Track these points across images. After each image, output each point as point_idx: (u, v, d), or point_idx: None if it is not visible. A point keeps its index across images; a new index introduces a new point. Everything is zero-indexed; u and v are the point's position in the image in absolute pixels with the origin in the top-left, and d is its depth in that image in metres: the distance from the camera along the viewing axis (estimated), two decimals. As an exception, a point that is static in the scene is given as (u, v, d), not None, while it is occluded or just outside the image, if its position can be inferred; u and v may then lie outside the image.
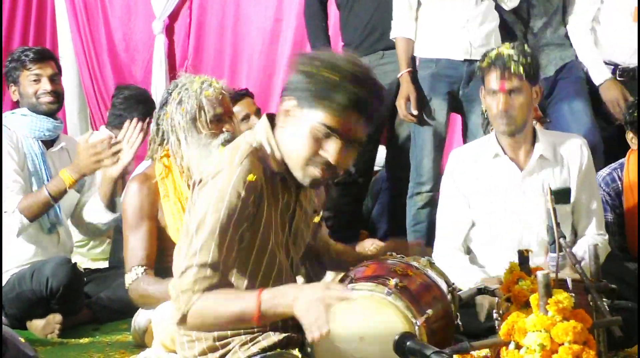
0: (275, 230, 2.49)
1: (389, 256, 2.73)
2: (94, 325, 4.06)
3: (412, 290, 2.53)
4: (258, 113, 4.68)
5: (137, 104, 5.31)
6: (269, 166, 2.45)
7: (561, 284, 2.63)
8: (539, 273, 2.42)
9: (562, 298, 2.42)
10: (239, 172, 2.36)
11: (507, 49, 3.60)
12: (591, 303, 2.58)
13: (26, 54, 4.22)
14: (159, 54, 6.62)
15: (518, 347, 2.43)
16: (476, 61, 4.09)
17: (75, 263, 3.99)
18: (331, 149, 2.38)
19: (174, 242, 3.32)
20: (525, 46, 3.69)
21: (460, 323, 2.70)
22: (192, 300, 2.31)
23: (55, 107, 4.21)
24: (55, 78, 4.22)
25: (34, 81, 4.17)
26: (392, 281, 2.47)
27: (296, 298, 2.26)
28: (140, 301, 3.36)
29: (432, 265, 2.76)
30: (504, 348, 2.47)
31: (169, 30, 6.68)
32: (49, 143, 4.22)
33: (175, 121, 3.37)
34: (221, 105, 3.38)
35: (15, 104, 4.32)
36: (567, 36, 4.59)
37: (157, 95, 6.20)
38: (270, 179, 2.46)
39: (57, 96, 4.21)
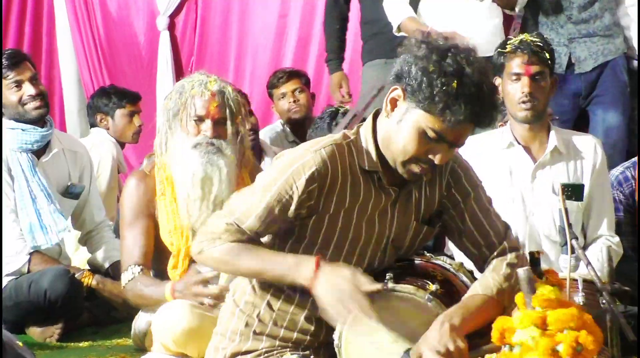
0: (353, 230, 2.48)
1: (423, 256, 2.71)
2: (94, 328, 4.06)
3: (450, 296, 2.52)
4: None
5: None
6: (357, 163, 2.45)
7: (573, 285, 2.67)
8: (519, 270, 2.39)
9: (547, 291, 2.39)
10: (307, 160, 2.40)
11: (529, 37, 3.71)
12: (603, 305, 2.57)
13: (2, 61, 4.03)
14: (165, 50, 6.62)
15: (511, 348, 2.40)
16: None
17: (74, 274, 3.97)
18: (439, 154, 2.38)
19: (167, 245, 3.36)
20: (545, 36, 3.79)
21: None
22: (215, 244, 2.44)
23: (44, 112, 4.08)
24: (35, 80, 4.08)
25: (16, 87, 4.03)
26: (433, 287, 2.46)
27: (318, 278, 2.34)
28: (137, 302, 3.36)
29: (462, 267, 2.75)
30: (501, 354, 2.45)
31: (173, 27, 6.68)
32: (40, 151, 4.14)
33: (164, 114, 3.40)
34: (205, 107, 3.36)
35: None
36: (615, 25, 4.53)
37: (163, 93, 6.23)
38: (356, 178, 2.45)
39: (43, 98, 4.07)
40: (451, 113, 2.31)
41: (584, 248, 3.63)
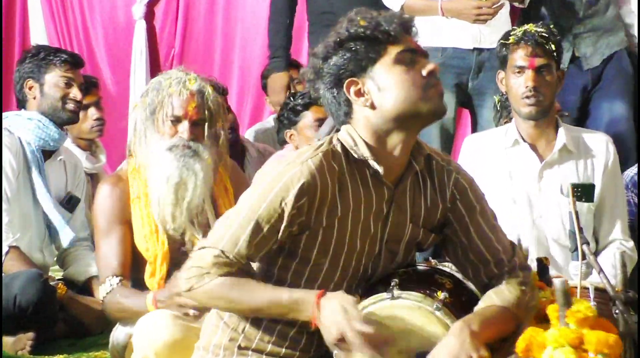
0: (348, 241, 2.44)
1: (435, 265, 2.67)
2: (70, 340, 3.97)
3: (459, 306, 2.45)
4: None
5: None
6: (350, 162, 2.42)
7: (584, 294, 2.61)
8: (556, 280, 2.38)
9: (583, 308, 2.35)
10: (294, 173, 2.36)
11: (534, 27, 3.65)
12: (615, 315, 2.52)
13: (60, 55, 4.23)
14: (139, 42, 6.53)
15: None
16: (486, 49, 4.14)
17: (47, 278, 3.89)
18: (425, 63, 2.41)
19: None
20: (551, 26, 3.75)
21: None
22: (204, 279, 2.38)
23: (75, 118, 4.26)
24: (82, 88, 4.25)
25: (65, 84, 4.18)
26: (441, 295, 2.40)
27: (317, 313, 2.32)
28: (117, 316, 3.26)
29: None
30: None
31: (152, 16, 6.54)
32: (47, 154, 4.19)
33: (138, 113, 3.31)
34: (182, 107, 3.26)
35: (17, 106, 4.30)
36: (618, 18, 4.52)
37: (136, 88, 6.18)
38: (346, 183, 2.42)
39: (80, 107, 4.26)
40: (389, 34, 2.38)
41: (596, 253, 3.59)
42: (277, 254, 2.45)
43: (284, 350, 2.49)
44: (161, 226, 3.23)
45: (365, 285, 2.50)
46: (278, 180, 2.36)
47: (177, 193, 3.22)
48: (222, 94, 4.42)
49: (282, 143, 4.50)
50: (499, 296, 2.44)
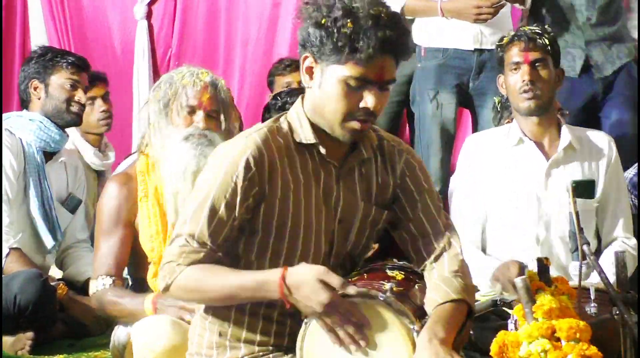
0: (304, 214, 2.45)
1: (389, 261, 2.64)
2: (70, 340, 3.99)
3: (410, 294, 2.45)
4: None
5: None
6: (293, 141, 2.44)
7: (585, 295, 2.64)
8: (516, 279, 2.42)
9: (547, 300, 2.42)
10: (241, 147, 2.39)
11: (527, 27, 3.71)
12: (616, 316, 2.52)
13: (67, 57, 4.27)
14: (142, 41, 6.47)
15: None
16: (487, 50, 4.15)
17: (46, 278, 3.90)
18: (369, 100, 2.36)
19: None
20: (547, 25, 3.78)
21: (472, 333, 2.66)
22: (175, 271, 2.38)
23: (78, 121, 4.29)
24: (86, 91, 4.30)
25: (71, 86, 4.20)
26: (387, 285, 2.39)
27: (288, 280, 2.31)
28: (107, 310, 3.25)
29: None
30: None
31: (151, 15, 6.53)
32: (48, 155, 4.20)
33: (151, 106, 3.31)
34: (197, 98, 3.27)
35: (20, 106, 4.32)
36: (626, 28, 4.55)
37: (139, 87, 6.15)
38: (294, 158, 2.44)
39: (83, 110, 4.28)
40: (359, 53, 2.31)
41: (599, 251, 3.62)
42: (240, 234, 2.45)
43: (272, 339, 2.49)
44: (171, 223, 3.19)
45: None
46: (225, 157, 2.39)
47: (194, 183, 3.20)
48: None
49: None
50: (451, 287, 2.43)
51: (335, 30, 2.33)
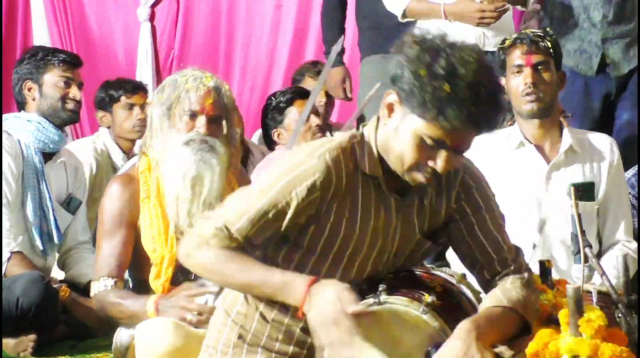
0: (354, 242, 2.40)
1: (422, 267, 2.63)
2: (72, 341, 3.96)
3: (449, 309, 2.41)
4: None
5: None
6: (359, 166, 2.38)
7: (587, 298, 2.58)
8: (569, 287, 2.36)
9: (596, 317, 2.37)
10: (310, 166, 2.33)
11: (529, 30, 3.72)
12: (618, 318, 2.55)
13: (58, 55, 4.23)
14: (145, 43, 6.51)
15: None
16: (489, 52, 4.08)
17: (49, 280, 3.89)
18: (440, 162, 2.30)
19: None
20: (548, 28, 3.79)
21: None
22: (201, 249, 2.37)
23: (76, 118, 4.27)
24: (81, 87, 4.24)
25: (65, 84, 4.16)
26: (428, 298, 2.36)
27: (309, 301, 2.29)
28: (109, 310, 3.23)
29: (464, 279, 2.63)
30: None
31: (154, 18, 6.55)
32: (47, 156, 4.15)
33: (154, 109, 3.30)
34: (199, 103, 3.25)
35: (17, 108, 4.27)
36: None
37: None
38: (358, 185, 2.39)
39: (80, 107, 4.23)
40: (445, 119, 2.23)
41: (601, 254, 3.59)
42: (282, 244, 2.43)
43: (292, 348, 2.47)
44: (173, 224, 3.20)
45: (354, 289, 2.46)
46: (294, 169, 2.33)
47: (193, 188, 3.19)
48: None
49: (271, 144, 4.46)
50: (506, 295, 2.39)
51: (430, 88, 2.23)
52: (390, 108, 2.34)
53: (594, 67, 4.33)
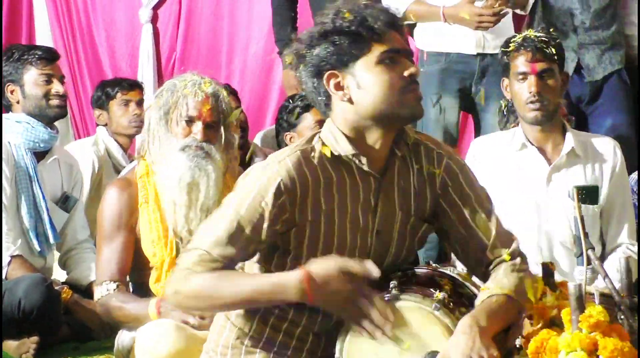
0: (337, 233, 2.44)
1: (429, 266, 2.65)
2: (74, 343, 3.98)
3: (458, 306, 2.45)
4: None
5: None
6: (330, 159, 2.43)
7: (589, 300, 2.55)
8: (570, 284, 2.38)
9: (596, 312, 2.36)
10: (272, 173, 2.38)
11: (533, 33, 3.67)
12: (620, 320, 2.51)
13: (34, 52, 4.16)
14: (147, 45, 6.48)
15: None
16: (489, 54, 4.14)
17: (51, 283, 3.89)
18: (407, 65, 2.41)
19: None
20: (551, 30, 3.78)
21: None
22: (190, 280, 2.37)
23: (63, 112, 4.21)
24: (62, 81, 4.18)
25: (45, 81, 4.11)
26: (440, 295, 2.40)
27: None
28: (114, 315, 3.25)
29: (470, 277, 2.65)
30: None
31: (156, 19, 6.53)
32: (39, 155, 4.14)
33: (152, 113, 3.31)
34: (197, 109, 3.26)
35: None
36: (620, 34, 4.54)
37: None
38: (330, 177, 2.43)
39: (66, 100, 4.19)
40: (375, 29, 2.38)
41: (603, 257, 3.61)
42: (272, 252, 2.46)
43: (290, 351, 2.50)
44: (172, 229, 3.22)
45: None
46: (257, 180, 2.38)
47: (189, 195, 3.21)
48: (232, 93, 4.46)
49: (281, 146, 4.46)
50: (499, 284, 2.43)
51: (343, 27, 2.37)
52: (339, 86, 2.41)
53: (570, 72, 4.36)
